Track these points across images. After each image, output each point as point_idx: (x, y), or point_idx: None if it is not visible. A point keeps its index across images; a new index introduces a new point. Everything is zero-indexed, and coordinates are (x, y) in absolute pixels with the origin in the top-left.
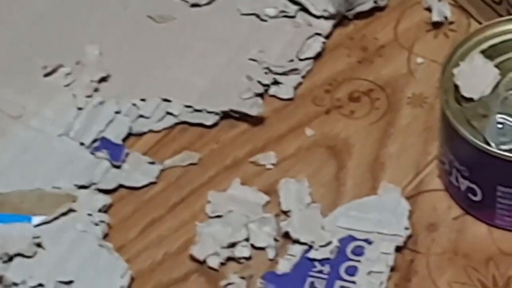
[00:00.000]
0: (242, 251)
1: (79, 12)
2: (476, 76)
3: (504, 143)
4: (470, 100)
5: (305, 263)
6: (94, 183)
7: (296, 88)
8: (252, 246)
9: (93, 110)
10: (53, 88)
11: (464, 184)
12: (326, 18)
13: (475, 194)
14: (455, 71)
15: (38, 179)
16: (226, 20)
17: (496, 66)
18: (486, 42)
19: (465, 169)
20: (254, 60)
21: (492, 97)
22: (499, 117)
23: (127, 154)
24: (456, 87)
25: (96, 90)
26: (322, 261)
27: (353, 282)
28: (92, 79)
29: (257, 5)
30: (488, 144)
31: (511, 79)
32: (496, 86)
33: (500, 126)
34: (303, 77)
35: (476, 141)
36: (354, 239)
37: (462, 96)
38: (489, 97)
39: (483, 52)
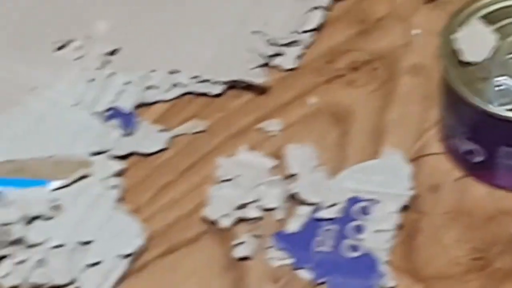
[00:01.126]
0: (252, 212)
1: None
2: (476, 41)
3: (505, 104)
4: (470, 64)
5: (313, 223)
6: (107, 150)
7: (298, 58)
8: (262, 207)
9: (104, 81)
10: (65, 61)
11: (465, 146)
12: None
13: (476, 156)
14: (454, 36)
15: (53, 147)
16: None
17: (496, 31)
18: (484, 8)
19: (467, 131)
20: (257, 32)
21: (492, 61)
22: (499, 79)
23: (138, 123)
24: (456, 52)
25: (106, 62)
26: (330, 221)
27: (360, 240)
28: (102, 52)
29: None
30: (489, 106)
31: (511, 43)
32: (496, 50)
33: (501, 87)
34: (305, 48)
35: (478, 103)
36: (360, 199)
37: (462, 61)
38: (489, 61)
39: (482, 18)
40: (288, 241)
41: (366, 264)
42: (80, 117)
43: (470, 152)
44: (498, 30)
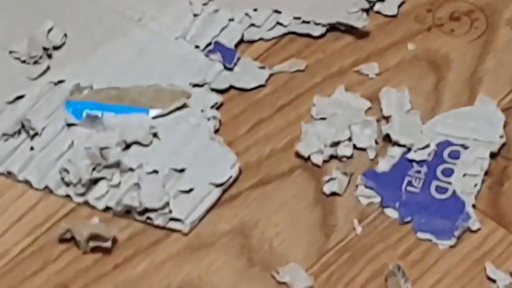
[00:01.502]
0: (344, 150)
1: None
2: None
3: None
4: None
5: (404, 164)
6: (207, 83)
7: (399, 6)
8: (354, 146)
9: (208, 17)
10: None
11: None
12: None
13: None
14: None
15: (155, 77)
16: None
17: None
18: None
19: None
20: None
21: None
22: None
23: (238, 58)
24: None
25: None
26: (420, 163)
27: (449, 183)
28: None
29: None
30: None
31: None
32: None
33: None
34: None
35: None
36: (451, 143)
37: None
38: None
39: None
40: (377, 180)
41: (453, 206)
42: (183, 50)
43: None
44: None
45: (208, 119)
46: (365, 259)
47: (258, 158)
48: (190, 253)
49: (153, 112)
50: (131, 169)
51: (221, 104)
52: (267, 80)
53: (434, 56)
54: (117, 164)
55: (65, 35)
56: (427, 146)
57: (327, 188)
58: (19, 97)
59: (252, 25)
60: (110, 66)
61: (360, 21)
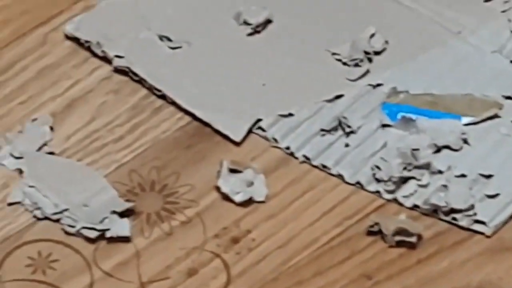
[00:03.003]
0: None
1: None
2: None
3: None
4: None
5: None
6: None
7: None
8: None
9: None
10: (492, 11)
11: None
12: None
13: None
14: None
15: (469, 86)
16: None
17: None
18: None
19: None
20: None
21: None
22: None
23: None
24: None
25: None
26: None
27: None
28: None
29: None
30: None
31: None
32: None
33: None
34: None
35: None
36: None
37: None
38: None
39: None
40: None
41: None
42: (498, 63)
43: None
44: None
45: None
46: None
47: None
48: (491, 254)
49: (465, 120)
50: (440, 171)
51: None
52: None
53: None
54: (427, 166)
55: (386, 41)
56: None
57: None
58: (338, 96)
59: None
60: (427, 73)
61: None
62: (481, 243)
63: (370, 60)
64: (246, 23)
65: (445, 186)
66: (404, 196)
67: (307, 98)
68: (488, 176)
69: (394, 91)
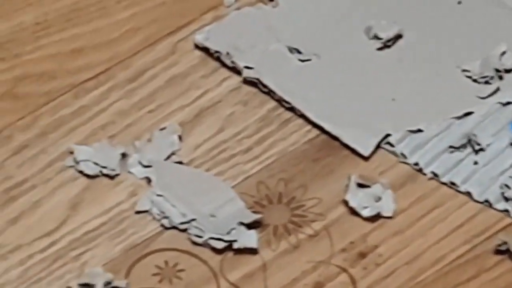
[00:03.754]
0: None
1: None
2: None
3: None
4: None
5: None
6: None
7: None
8: None
9: None
10: None
11: None
12: None
13: None
14: None
15: None
16: None
17: None
18: None
19: None
20: None
21: None
22: None
23: None
24: None
25: None
26: None
27: None
28: None
29: None
30: None
31: None
32: None
33: None
34: None
35: None
36: None
37: None
38: None
39: None
40: None
41: None
42: None
43: None
44: None
45: None
46: None
47: None
48: None
49: None
50: None
51: None
52: None
53: None
54: None
55: None
56: None
57: None
58: (468, 113)
59: None
60: None
61: None
62: None
63: (500, 77)
64: (376, 37)
65: None
66: None
67: (436, 114)
68: None
69: None
